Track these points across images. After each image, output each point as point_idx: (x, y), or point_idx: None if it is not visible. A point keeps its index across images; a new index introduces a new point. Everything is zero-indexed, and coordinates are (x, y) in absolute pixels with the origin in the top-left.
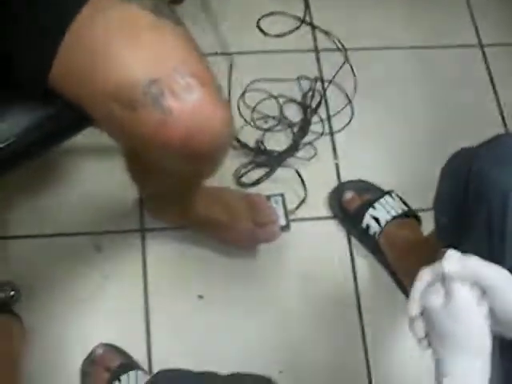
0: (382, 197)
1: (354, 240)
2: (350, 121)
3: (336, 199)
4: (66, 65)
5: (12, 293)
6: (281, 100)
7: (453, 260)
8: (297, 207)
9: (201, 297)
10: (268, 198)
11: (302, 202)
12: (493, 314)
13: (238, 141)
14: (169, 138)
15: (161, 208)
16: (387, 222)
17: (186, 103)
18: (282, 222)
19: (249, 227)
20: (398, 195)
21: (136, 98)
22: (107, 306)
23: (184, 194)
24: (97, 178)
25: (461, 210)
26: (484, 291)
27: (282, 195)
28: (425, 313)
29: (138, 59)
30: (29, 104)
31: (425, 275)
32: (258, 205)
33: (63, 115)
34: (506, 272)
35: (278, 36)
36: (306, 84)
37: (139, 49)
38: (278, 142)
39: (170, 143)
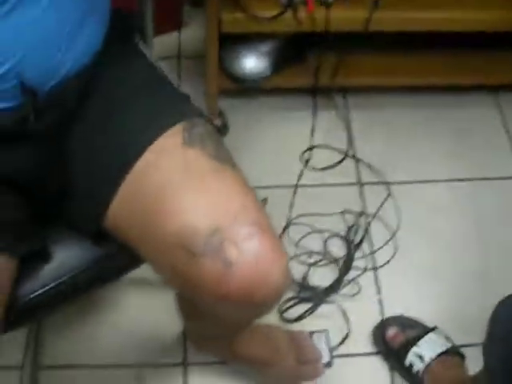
0: (425, 334)
1: (397, 377)
2: (393, 255)
3: (379, 335)
4: (125, 208)
5: None
6: (325, 234)
7: None
8: (340, 343)
9: None
10: (311, 333)
11: (346, 337)
12: None
13: None
14: (228, 289)
15: (205, 343)
16: (431, 360)
17: (246, 254)
18: (326, 358)
19: (292, 365)
20: (441, 332)
21: (197, 247)
22: None
23: (231, 334)
24: (142, 308)
25: None
26: None
27: (325, 331)
28: None
29: (200, 206)
30: (81, 243)
31: None
32: (302, 342)
33: (115, 256)
34: None
35: (321, 169)
36: (350, 218)
37: (202, 195)
38: (321, 276)
39: (229, 294)
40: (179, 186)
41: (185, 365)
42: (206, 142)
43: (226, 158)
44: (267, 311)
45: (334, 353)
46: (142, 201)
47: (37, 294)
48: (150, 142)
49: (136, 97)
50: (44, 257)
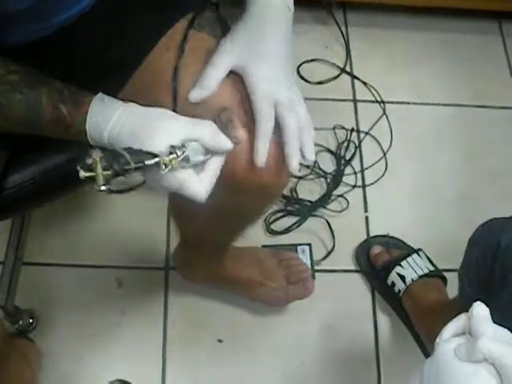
0: (409, 255)
1: (377, 295)
2: (383, 175)
3: (363, 253)
4: (134, 91)
5: (31, 320)
6: (315, 148)
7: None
8: (323, 258)
9: (220, 341)
10: (296, 246)
11: (329, 253)
12: None
13: None
14: (233, 168)
15: (192, 263)
16: (413, 281)
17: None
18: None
19: (282, 285)
20: (425, 254)
21: None
22: (123, 342)
23: (222, 243)
24: (128, 212)
25: (487, 281)
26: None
27: (309, 245)
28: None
29: None
30: None
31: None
32: (291, 262)
33: None
34: None
35: (317, 83)
36: (341, 134)
37: None
38: (310, 190)
39: (234, 173)
40: (186, 67)
41: (167, 269)
42: (215, 27)
43: None
44: (266, 204)
45: (317, 267)
46: (150, 80)
47: (25, 184)
48: (164, 33)
49: None
50: (34, 148)
